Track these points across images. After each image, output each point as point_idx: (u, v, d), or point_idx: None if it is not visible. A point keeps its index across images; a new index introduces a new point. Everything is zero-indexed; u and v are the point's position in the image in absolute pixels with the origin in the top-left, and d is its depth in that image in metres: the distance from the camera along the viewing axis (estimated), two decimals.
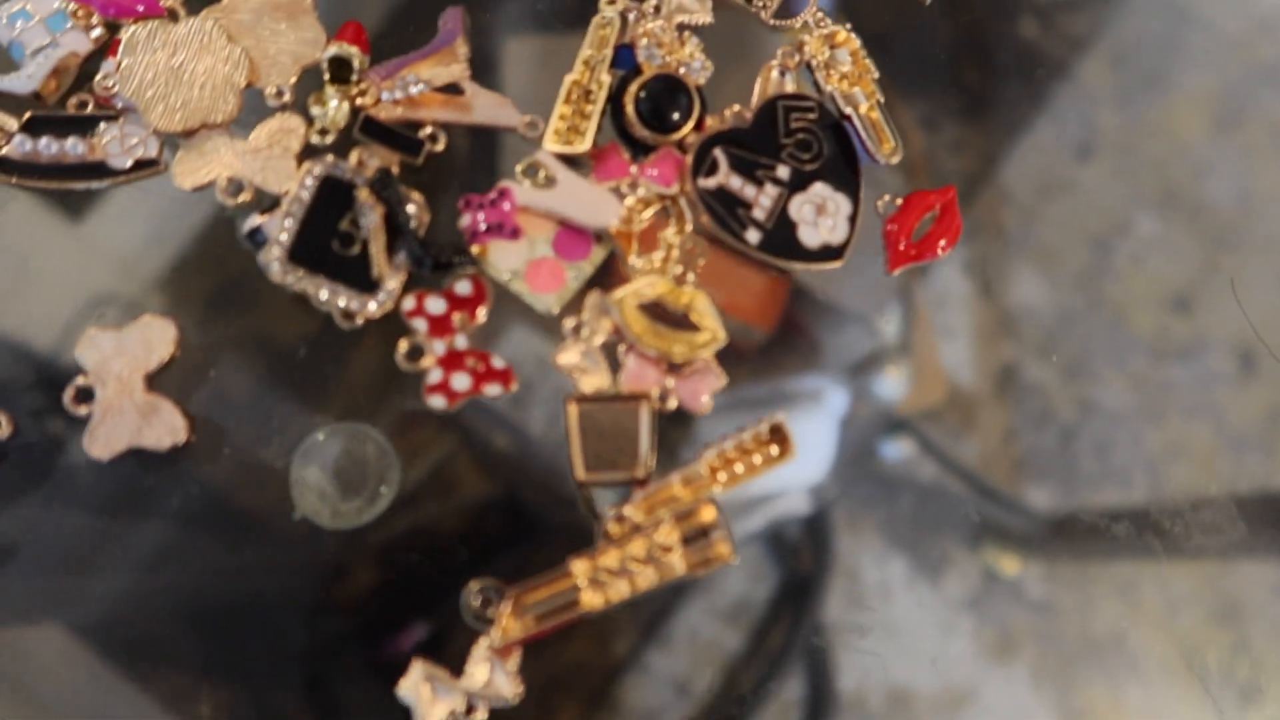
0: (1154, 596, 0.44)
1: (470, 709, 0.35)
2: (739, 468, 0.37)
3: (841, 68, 0.42)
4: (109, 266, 0.39)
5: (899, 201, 0.41)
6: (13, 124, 0.38)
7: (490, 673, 0.34)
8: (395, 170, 0.39)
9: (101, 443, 0.35)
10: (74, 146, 0.38)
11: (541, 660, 0.38)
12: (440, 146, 0.40)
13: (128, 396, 0.36)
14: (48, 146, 0.38)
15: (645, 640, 0.42)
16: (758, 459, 0.37)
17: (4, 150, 0.37)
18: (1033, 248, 0.48)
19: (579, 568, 0.35)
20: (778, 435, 0.37)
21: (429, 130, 0.40)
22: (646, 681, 0.41)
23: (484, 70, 0.41)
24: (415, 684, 0.34)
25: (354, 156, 0.38)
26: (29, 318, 0.39)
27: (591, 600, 0.35)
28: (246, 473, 0.38)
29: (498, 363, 0.38)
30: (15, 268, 0.40)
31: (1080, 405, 0.46)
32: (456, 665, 0.36)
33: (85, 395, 0.36)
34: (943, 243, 0.41)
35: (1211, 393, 0.47)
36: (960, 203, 0.44)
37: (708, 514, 0.36)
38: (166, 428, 0.36)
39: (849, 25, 0.43)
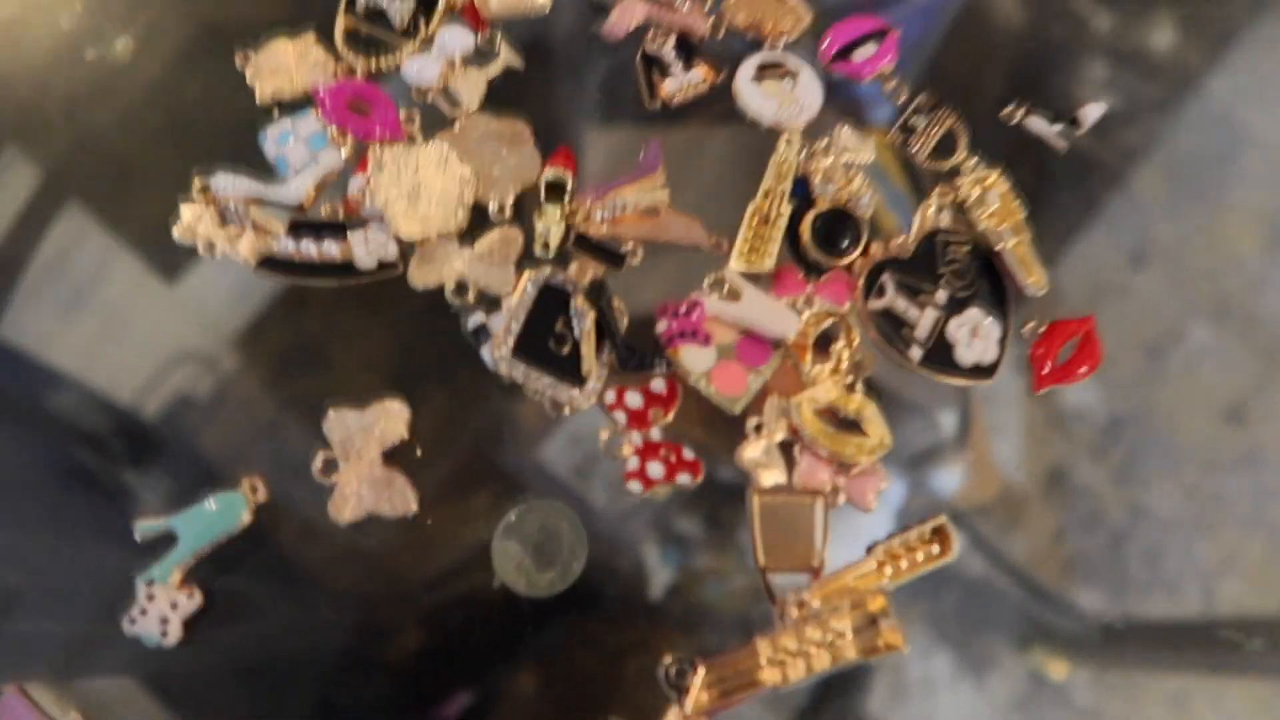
0: (1204, 712, 0.43)
1: None
2: (904, 563, 0.40)
3: (991, 206, 0.46)
4: (356, 355, 0.43)
5: (1042, 330, 0.44)
6: (280, 228, 0.43)
7: None
8: (604, 279, 0.43)
9: (345, 508, 0.39)
10: (329, 248, 0.43)
11: None
12: (638, 260, 0.44)
13: (366, 469, 0.40)
14: (307, 247, 0.42)
15: None
16: (920, 555, 0.40)
17: (271, 250, 0.42)
18: None
19: (763, 646, 0.38)
20: (939, 535, 0.40)
21: (630, 245, 0.44)
22: None
23: (673, 195, 0.46)
24: None
25: (574, 267, 0.42)
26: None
27: (771, 677, 0.38)
28: (448, 543, 0.42)
29: (688, 454, 0.41)
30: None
31: (1131, 510, 0.46)
32: None
33: (330, 466, 0.40)
34: (1084, 369, 0.43)
35: (1265, 506, 0.46)
36: (1014, 302, 0.45)
37: (877, 604, 0.39)
38: (400, 499, 0.39)
39: (1001, 167, 0.47)
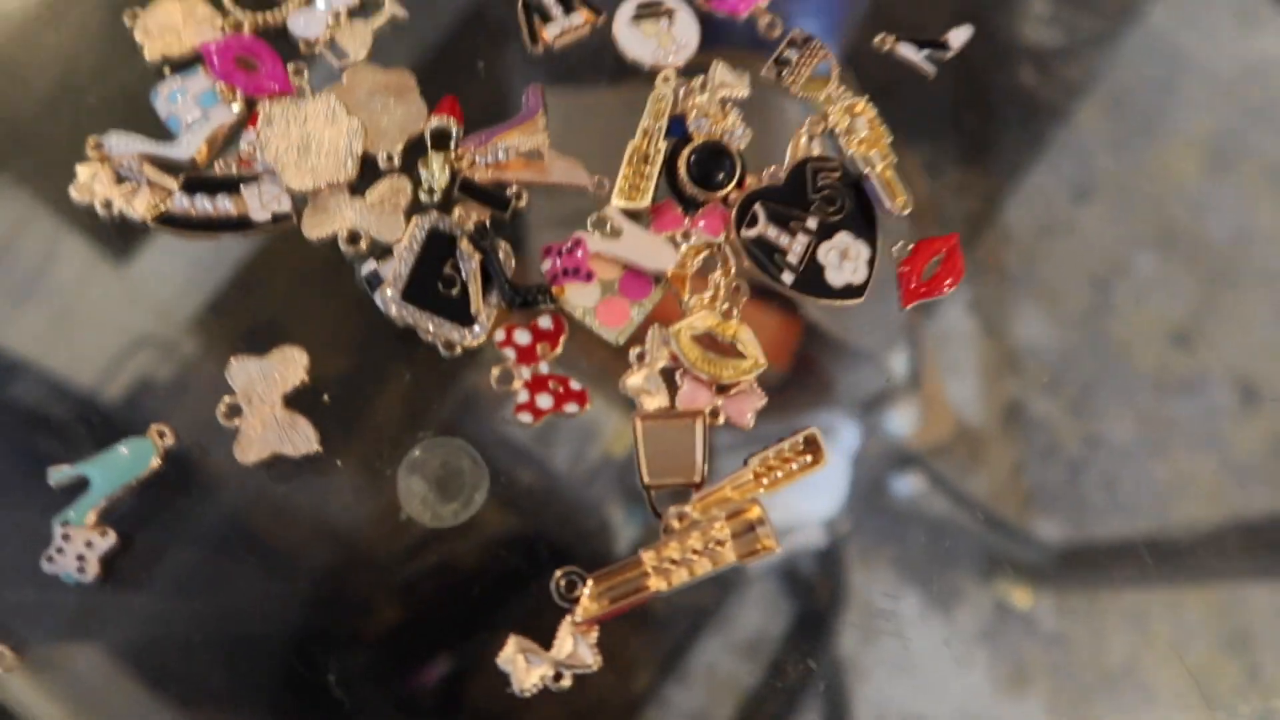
0: (1165, 626, 0.44)
1: (558, 676, 0.40)
2: (779, 474, 0.42)
3: (860, 134, 0.47)
4: (255, 303, 0.45)
5: (910, 247, 0.46)
6: (173, 185, 0.44)
7: (575, 645, 0.40)
8: (487, 223, 0.44)
9: (249, 450, 0.41)
10: (223, 203, 0.44)
11: (563, 696, 0.40)
12: (524, 203, 0.45)
13: (269, 412, 0.42)
14: (201, 203, 0.44)
15: (664, 675, 0.43)
16: (795, 465, 0.42)
17: (165, 207, 0.44)
18: (1035, 287, 0.48)
19: (647, 557, 0.41)
20: (811, 445, 0.42)
21: (514, 189, 0.45)
22: (666, 716, 0.42)
23: (557, 137, 0.47)
24: (511, 655, 0.39)
25: (457, 212, 0.44)
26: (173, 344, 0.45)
27: (657, 584, 0.40)
28: (358, 480, 0.44)
29: (575, 385, 0.43)
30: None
31: (1086, 440, 0.47)
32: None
33: (234, 411, 0.42)
34: (948, 281, 0.45)
35: (1215, 425, 0.47)
36: (963, 244, 0.46)
37: (754, 512, 0.41)
38: (303, 439, 0.41)
39: (866, 96, 0.48)
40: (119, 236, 0.44)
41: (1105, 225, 0.50)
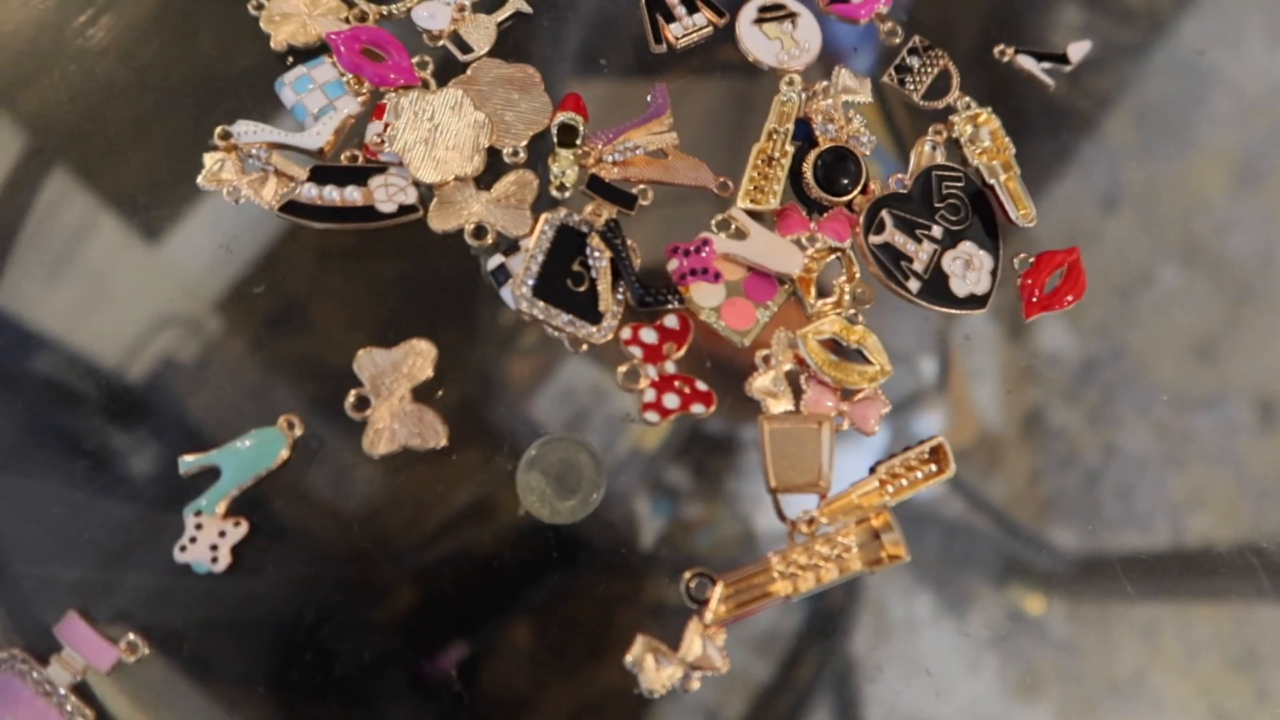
0: (1175, 639, 0.44)
1: (686, 679, 0.39)
2: (904, 481, 0.42)
3: (983, 143, 0.47)
4: (382, 297, 0.44)
5: (1032, 260, 0.46)
6: (302, 174, 0.43)
7: (704, 647, 0.39)
8: (616, 220, 0.44)
9: (379, 442, 0.41)
10: (350, 193, 0.43)
11: (576, 684, 0.40)
12: (649, 200, 0.45)
13: (397, 405, 0.41)
14: (330, 193, 0.43)
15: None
16: (920, 474, 0.42)
17: (293, 196, 0.43)
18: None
19: (775, 560, 0.40)
20: (937, 454, 0.42)
21: (641, 187, 0.45)
22: (678, 709, 0.41)
23: (682, 136, 0.46)
24: (640, 655, 0.39)
25: (588, 209, 0.43)
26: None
27: (783, 588, 0.40)
28: (474, 474, 0.43)
29: (701, 386, 0.43)
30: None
31: (1104, 449, 0.46)
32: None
33: (362, 403, 0.41)
34: (1070, 297, 0.45)
35: (1232, 441, 0.47)
36: (1003, 236, 0.45)
37: (881, 518, 0.41)
38: (431, 432, 0.41)
39: (990, 107, 0.48)
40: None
41: (1131, 236, 0.49)
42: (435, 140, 0.44)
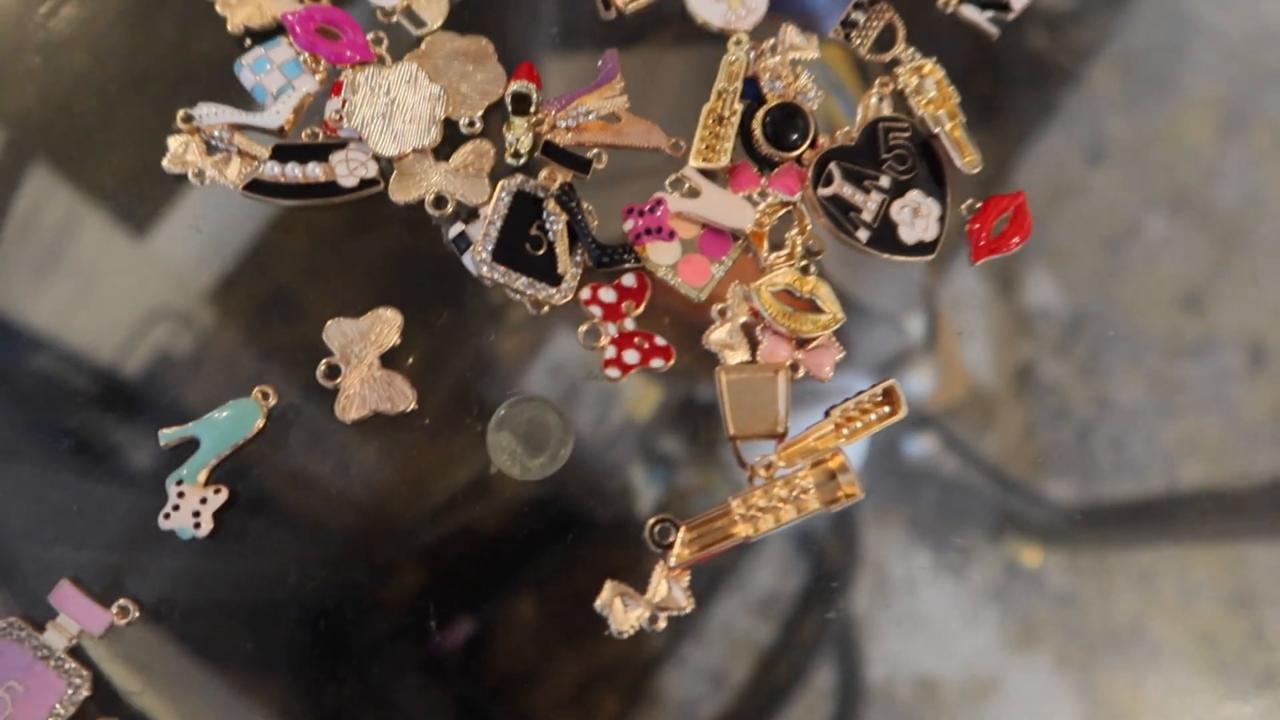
0: (1171, 585, 0.45)
1: (653, 619, 0.41)
2: (859, 424, 0.43)
3: (929, 94, 0.48)
4: (348, 269, 0.45)
5: (979, 205, 0.47)
6: (264, 153, 0.44)
7: (669, 588, 0.41)
8: (571, 184, 0.45)
9: (350, 408, 0.42)
10: (312, 170, 0.44)
11: (583, 654, 0.41)
12: (603, 164, 0.46)
13: (366, 371, 0.43)
14: (292, 170, 0.44)
15: (681, 634, 0.43)
16: (874, 416, 0.43)
17: (257, 174, 0.44)
18: (1047, 249, 0.48)
19: (735, 504, 0.42)
20: (889, 396, 0.43)
21: (594, 151, 0.46)
22: (683, 673, 0.42)
23: (633, 99, 0.47)
24: (609, 599, 0.41)
25: (543, 174, 0.44)
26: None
27: (744, 530, 0.41)
28: (445, 435, 0.45)
29: (660, 341, 0.44)
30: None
31: (1096, 402, 0.46)
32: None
33: (333, 371, 0.43)
34: (1016, 239, 0.46)
35: (1222, 388, 0.47)
36: (974, 207, 0.46)
37: (836, 461, 0.42)
38: (400, 395, 0.42)
39: (935, 57, 0.49)
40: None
41: (1117, 188, 0.49)
42: (392, 114, 0.45)
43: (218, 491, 0.40)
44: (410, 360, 0.44)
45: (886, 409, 0.43)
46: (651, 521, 0.41)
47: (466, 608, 0.42)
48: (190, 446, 0.41)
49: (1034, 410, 0.46)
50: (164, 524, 0.40)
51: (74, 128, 0.47)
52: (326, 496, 0.43)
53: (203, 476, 0.40)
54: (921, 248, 0.46)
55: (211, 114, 0.44)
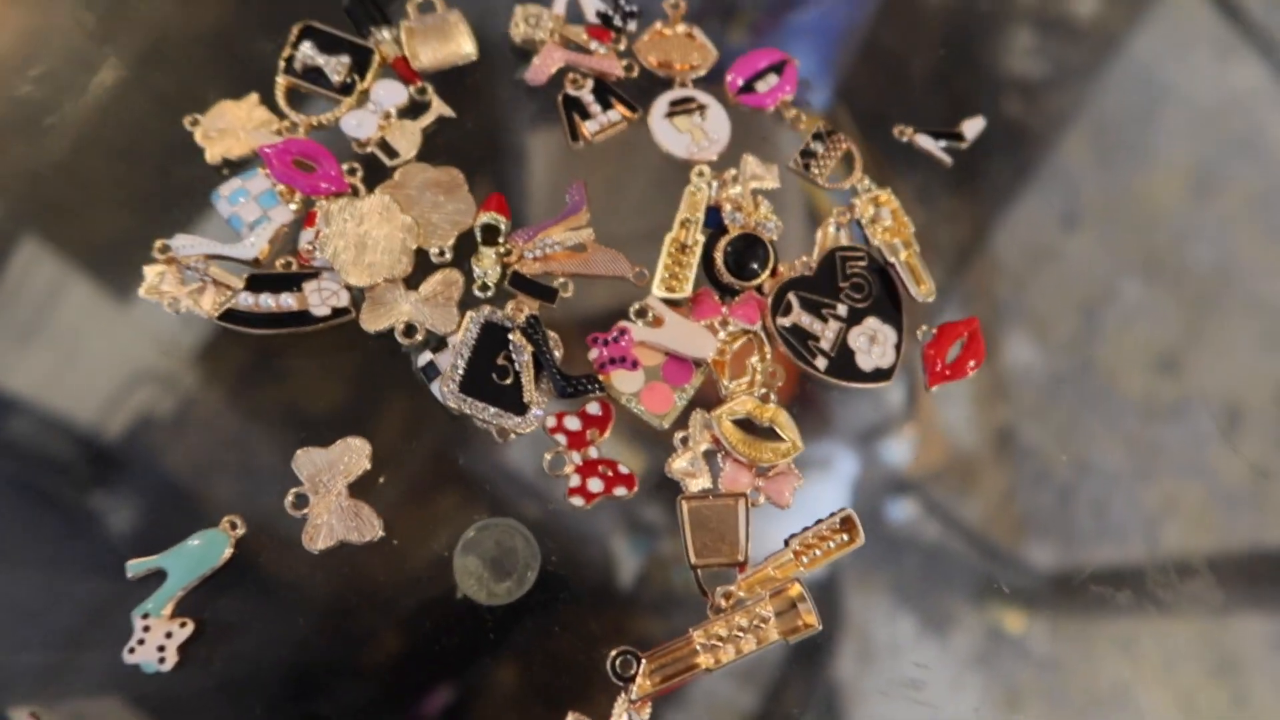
0: (1154, 651, 0.44)
1: None
2: (817, 552, 0.44)
3: (885, 223, 0.49)
4: (316, 394, 0.46)
5: (934, 331, 0.48)
6: (238, 283, 0.45)
7: None
8: (535, 312, 0.46)
9: (316, 537, 0.42)
10: (285, 300, 0.45)
11: None
12: (569, 293, 0.47)
13: (334, 501, 0.43)
14: (265, 300, 0.45)
15: (664, 701, 0.42)
16: (832, 544, 0.44)
17: (231, 304, 0.45)
18: (1024, 313, 0.49)
19: (696, 635, 0.42)
20: (848, 525, 0.44)
21: (561, 280, 0.47)
22: None
23: (598, 227, 0.48)
24: None
25: (510, 305, 0.45)
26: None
27: (705, 661, 0.42)
28: (412, 560, 0.45)
29: (623, 469, 0.45)
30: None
31: (1076, 465, 0.46)
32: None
33: (301, 500, 0.43)
34: (971, 363, 0.47)
35: (1200, 451, 0.47)
36: (953, 271, 0.47)
37: (794, 590, 0.43)
38: (368, 526, 0.43)
39: (888, 189, 0.50)
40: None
41: (1092, 252, 0.50)
42: (365, 245, 0.46)
43: (183, 625, 0.40)
44: (381, 480, 0.45)
45: (845, 536, 0.44)
46: (614, 654, 0.42)
47: (445, 674, 0.42)
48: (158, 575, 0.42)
49: (1015, 474, 0.46)
50: (129, 658, 0.40)
51: (61, 205, 0.47)
52: (291, 623, 0.43)
53: (169, 609, 0.41)
54: (879, 374, 0.47)
55: (188, 245, 0.45)
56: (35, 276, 0.47)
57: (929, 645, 0.44)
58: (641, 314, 0.46)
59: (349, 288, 0.45)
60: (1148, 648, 0.45)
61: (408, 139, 0.48)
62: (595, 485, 0.44)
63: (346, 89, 0.49)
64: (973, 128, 0.52)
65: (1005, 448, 0.47)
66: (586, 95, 0.50)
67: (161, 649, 0.40)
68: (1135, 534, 0.46)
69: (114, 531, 0.43)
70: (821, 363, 0.46)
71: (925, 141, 0.51)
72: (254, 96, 0.48)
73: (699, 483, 0.44)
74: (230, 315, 0.45)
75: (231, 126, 0.48)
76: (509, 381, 0.44)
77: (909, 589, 0.44)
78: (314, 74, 0.49)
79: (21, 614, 0.43)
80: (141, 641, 0.40)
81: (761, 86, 0.51)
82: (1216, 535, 0.46)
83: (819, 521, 0.44)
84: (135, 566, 0.41)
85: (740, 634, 0.42)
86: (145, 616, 0.40)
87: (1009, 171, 0.51)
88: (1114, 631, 0.45)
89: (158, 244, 0.45)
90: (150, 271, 0.45)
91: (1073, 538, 0.46)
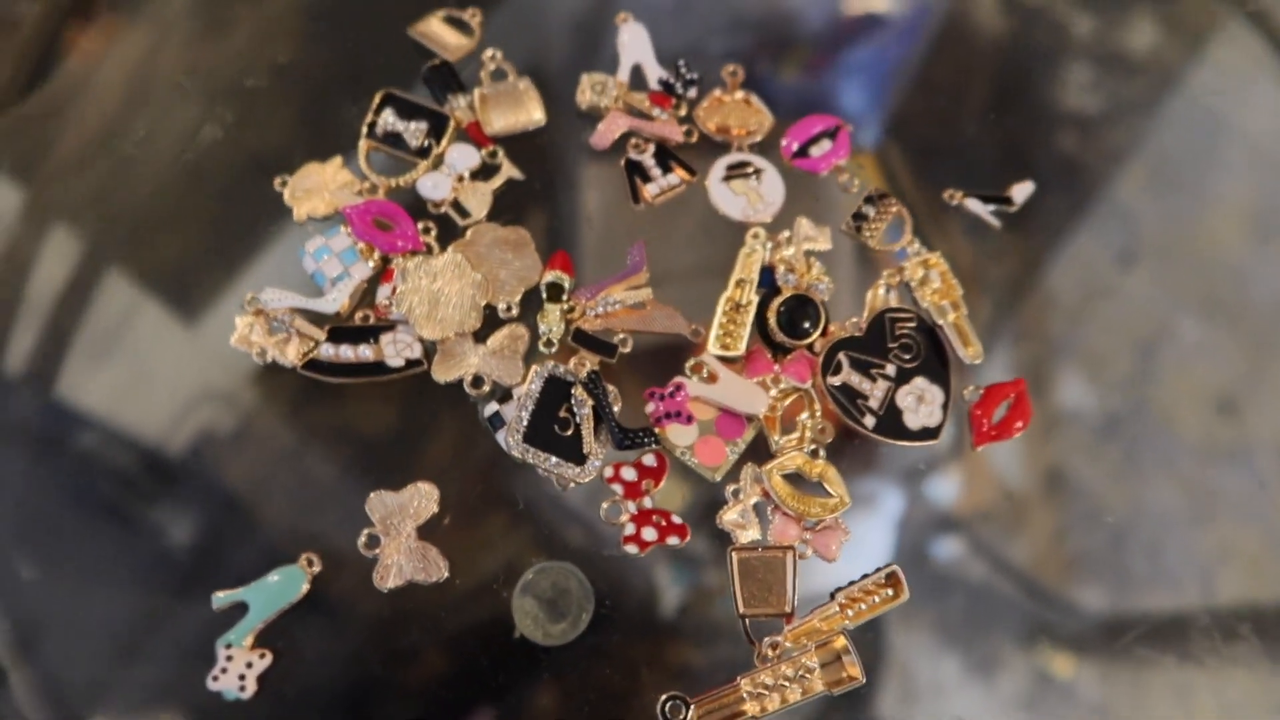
0: (1210, 701, 0.43)
1: None
2: (863, 605, 0.45)
3: (933, 285, 0.51)
4: (380, 440, 0.49)
5: (981, 391, 0.49)
6: (320, 335, 0.48)
7: None
8: (597, 367, 0.48)
9: (387, 577, 0.45)
10: (363, 351, 0.48)
11: None
12: (629, 348, 0.49)
13: (404, 543, 0.46)
14: (345, 351, 0.48)
15: None
16: (877, 599, 0.45)
17: (314, 354, 0.48)
18: (1078, 351, 0.48)
19: (744, 683, 0.43)
20: (893, 580, 0.45)
21: (620, 336, 0.49)
22: None
23: (657, 285, 0.50)
24: None
25: (573, 360, 0.48)
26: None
27: (752, 709, 0.43)
28: (474, 600, 0.47)
29: (676, 519, 0.47)
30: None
31: (1130, 507, 0.45)
32: None
33: (373, 541, 0.46)
34: (1019, 424, 0.48)
35: (1259, 496, 0.46)
36: (1005, 308, 0.47)
37: (839, 642, 0.44)
38: (434, 567, 0.45)
39: (938, 252, 0.51)
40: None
41: (1149, 290, 0.49)
42: (438, 300, 0.48)
43: (263, 656, 0.43)
44: (446, 521, 0.47)
45: (890, 591, 0.45)
46: (663, 699, 0.43)
47: (487, 697, 0.44)
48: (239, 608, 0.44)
49: (1065, 514, 0.45)
50: (212, 685, 0.43)
51: (158, 252, 0.51)
52: (361, 656, 0.45)
53: (249, 640, 0.43)
54: (925, 433, 0.48)
55: (275, 299, 0.48)
56: (137, 323, 0.51)
57: (974, 687, 0.43)
58: (697, 370, 0.48)
59: (422, 340, 0.48)
60: (1204, 698, 0.44)
61: (479, 199, 0.51)
62: (649, 534, 0.46)
63: (423, 152, 0.52)
64: (1022, 192, 0.53)
65: (1056, 487, 0.46)
66: (648, 159, 0.52)
67: (242, 677, 0.43)
68: (1190, 580, 0.45)
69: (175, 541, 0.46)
70: (870, 421, 0.48)
71: (974, 205, 0.53)
72: (338, 159, 0.52)
73: (749, 534, 0.46)
74: (312, 364, 0.48)
75: (317, 187, 0.51)
76: (570, 433, 0.47)
77: (954, 629, 0.44)
78: (394, 138, 0.52)
79: (112, 634, 0.46)
80: (224, 670, 0.43)
81: (815, 151, 0.53)
82: (1274, 582, 0.46)
83: (865, 576, 0.45)
84: (220, 599, 0.44)
85: (786, 683, 0.43)
86: (228, 646, 0.43)
87: (1064, 208, 0.51)
88: (1167, 679, 0.44)
89: (247, 297, 0.49)
90: (240, 322, 0.48)
91: (1126, 582, 0.45)
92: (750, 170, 0.52)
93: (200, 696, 0.44)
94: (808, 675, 0.43)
